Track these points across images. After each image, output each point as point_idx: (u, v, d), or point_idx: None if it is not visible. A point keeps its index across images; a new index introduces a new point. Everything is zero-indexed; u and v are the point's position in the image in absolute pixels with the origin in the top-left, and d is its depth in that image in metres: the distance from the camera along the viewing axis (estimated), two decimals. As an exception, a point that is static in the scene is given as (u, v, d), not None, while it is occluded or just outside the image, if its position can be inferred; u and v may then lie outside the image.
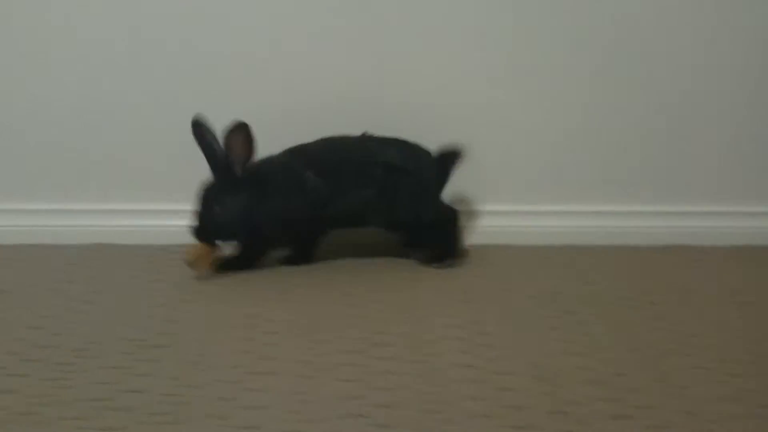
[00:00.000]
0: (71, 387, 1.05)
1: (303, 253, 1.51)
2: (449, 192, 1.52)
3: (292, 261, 1.50)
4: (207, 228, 1.39)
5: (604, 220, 1.61)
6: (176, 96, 1.54)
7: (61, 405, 1.01)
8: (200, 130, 1.37)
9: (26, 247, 1.57)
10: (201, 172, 1.43)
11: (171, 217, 1.56)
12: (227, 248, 1.45)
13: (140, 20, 1.51)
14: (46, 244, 1.58)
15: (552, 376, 1.09)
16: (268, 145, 1.40)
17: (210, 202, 1.38)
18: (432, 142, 1.48)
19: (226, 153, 1.36)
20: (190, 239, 1.40)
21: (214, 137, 1.37)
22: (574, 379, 1.08)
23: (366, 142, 1.45)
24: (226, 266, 1.45)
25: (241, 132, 1.33)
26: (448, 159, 1.49)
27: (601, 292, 1.39)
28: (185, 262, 1.39)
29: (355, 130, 1.46)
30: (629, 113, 1.57)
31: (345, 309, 1.31)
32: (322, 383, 1.07)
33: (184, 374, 1.09)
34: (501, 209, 1.60)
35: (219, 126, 1.36)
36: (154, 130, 1.56)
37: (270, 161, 1.41)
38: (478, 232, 1.60)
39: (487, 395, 1.04)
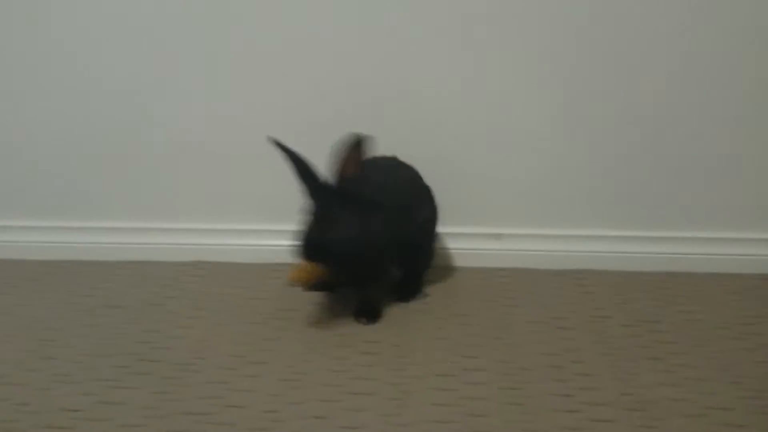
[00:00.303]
0: (176, 400, 1.11)
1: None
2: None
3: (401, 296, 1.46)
4: (322, 247, 1.28)
5: (701, 246, 1.57)
6: (277, 114, 1.59)
7: (166, 418, 1.06)
8: (283, 150, 1.30)
9: (131, 264, 1.65)
10: (299, 192, 1.46)
11: (270, 237, 1.61)
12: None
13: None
14: (150, 260, 1.66)
15: (649, 408, 1.07)
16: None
17: (327, 221, 1.28)
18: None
19: (338, 169, 1.28)
20: (295, 258, 1.31)
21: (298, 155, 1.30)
22: (672, 412, 1.06)
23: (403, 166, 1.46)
24: (322, 287, 1.47)
25: (360, 147, 1.27)
26: None
27: (700, 320, 1.35)
28: (291, 280, 1.30)
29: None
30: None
31: (436, 332, 1.32)
32: (414, 406, 1.09)
33: (281, 391, 1.13)
34: (592, 234, 1.58)
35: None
36: (255, 152, 1.60)
37: (366, 183, 1.32)
38: (565, 257, 1.58)
39: (581, 426, 1.03)
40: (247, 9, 1.52)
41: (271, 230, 1.61)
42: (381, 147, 1.44)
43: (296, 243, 1.29)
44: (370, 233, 1.29)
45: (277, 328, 1.34)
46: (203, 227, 1.66)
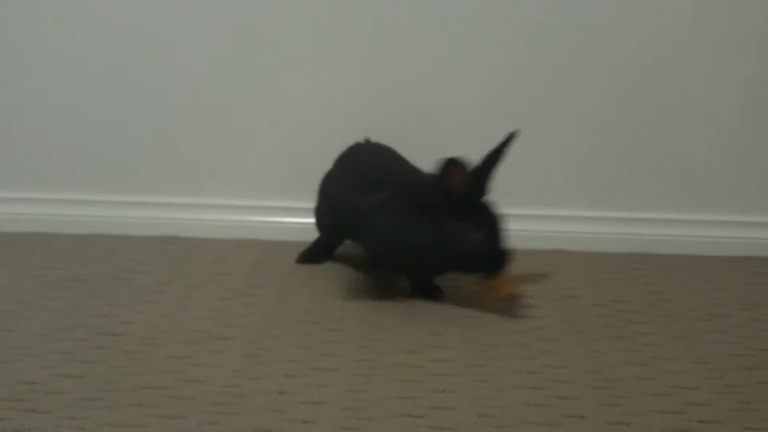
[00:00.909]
0: (136, 374, 1.08)
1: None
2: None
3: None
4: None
5: (673, 228, 1.57)
6: (256, 92, 1.56)
7: (125, 392, 1.04)
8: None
9: (99, 237, 1.62)
10: (271, 168, 1.44)
11: (240, 213, 1.59)
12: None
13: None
14: (118, 234, 1.64)
15: (614, 386, 1.07)
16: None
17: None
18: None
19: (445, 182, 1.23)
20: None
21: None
22: (636, 390, 1.06)
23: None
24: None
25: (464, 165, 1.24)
26: None
27: (669, 301, 1.35)
28: (510, 294, 1.28)
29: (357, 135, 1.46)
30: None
31: (405, 310, 1.31)
32: (378, 382, 1.07)
33: (244, 366, 1.11)
34: (564, 214, 1.58)
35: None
36: (228, 127, 1.58)
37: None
38: (537, 237, 1.58)
39: (545, 402, 1.02)
40: None
41: (242, 206, 1.60)
42: (371, 131, 1.43)
43: (496, 254, 1.24)
44: None
45: (244, 304, 1.32)
46: (173, 201, 1.64)
